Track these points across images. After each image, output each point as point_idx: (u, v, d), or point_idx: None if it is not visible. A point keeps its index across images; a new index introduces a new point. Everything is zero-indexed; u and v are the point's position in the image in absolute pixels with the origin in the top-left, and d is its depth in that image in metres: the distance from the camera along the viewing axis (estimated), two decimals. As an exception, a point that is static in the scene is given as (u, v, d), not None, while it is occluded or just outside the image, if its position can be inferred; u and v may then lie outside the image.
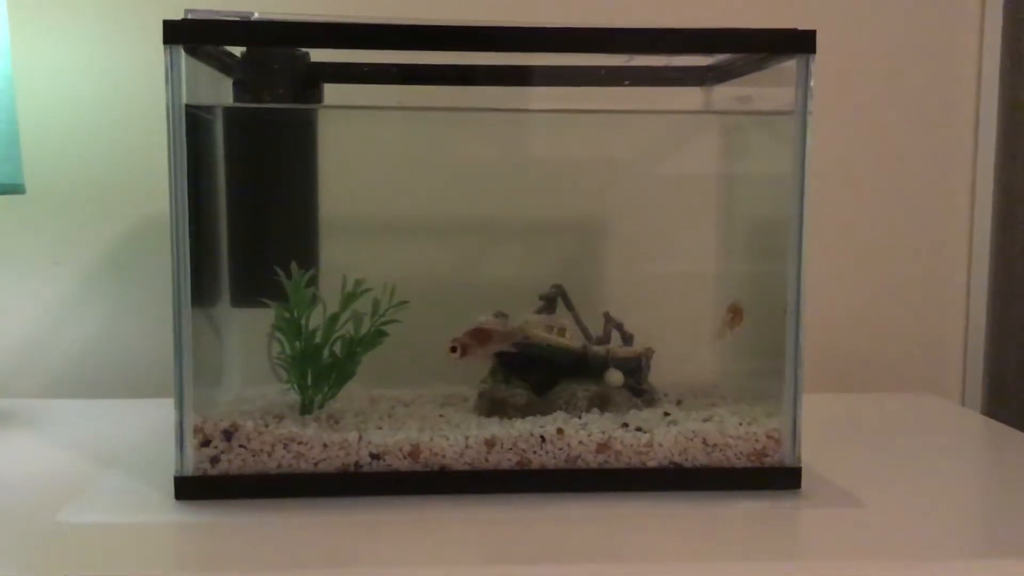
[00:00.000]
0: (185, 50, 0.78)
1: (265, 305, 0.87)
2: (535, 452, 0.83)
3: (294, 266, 0.86)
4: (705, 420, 0.87)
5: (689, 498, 0.81)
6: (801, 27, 0.81)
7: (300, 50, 0.93)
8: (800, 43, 0.80)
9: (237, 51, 0.90)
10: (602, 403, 0.90)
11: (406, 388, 0.98)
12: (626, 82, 0.96)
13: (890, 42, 1.26)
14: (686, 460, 0.83)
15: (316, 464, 0.81)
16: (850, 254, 1.28)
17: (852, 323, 1.28)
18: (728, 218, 1.02)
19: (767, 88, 0.91)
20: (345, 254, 0.98)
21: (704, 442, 0.83)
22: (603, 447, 0.83)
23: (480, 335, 0.86)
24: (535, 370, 0.91)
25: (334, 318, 0.87)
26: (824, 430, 1.01)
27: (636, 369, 0.94)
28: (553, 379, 0.92)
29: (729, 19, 1.19)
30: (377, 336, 0.88)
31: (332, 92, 0.97)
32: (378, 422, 0.86)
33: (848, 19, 1.25)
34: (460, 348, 0.85)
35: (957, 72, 1.27)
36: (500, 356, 0.93)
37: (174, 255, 0.78)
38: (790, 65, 0.82)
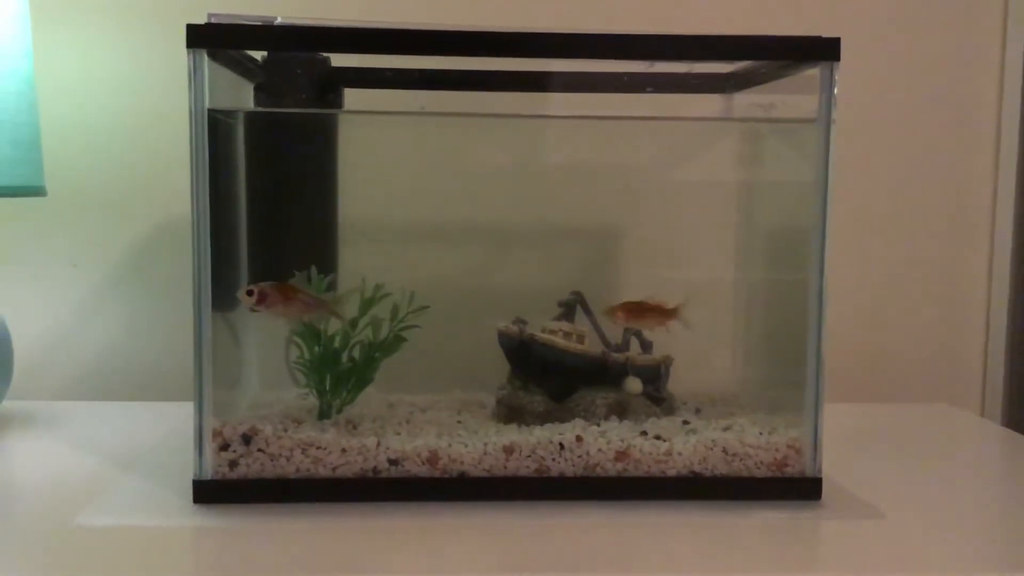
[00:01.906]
0: (207, 54, 0.78)
1: (284, 309, 0.87)
2: (554, 459, 0.82)
3: (313, 270, 0.86)
4: (725, 429, 0.86)
5: (708, 508, 0.81)
6: (815, 34, 0.80)
7: (321, 55, 0.93)
8: (825, 50, 0.80)
9: (258, 55, 0.90)
10: (621, 411, 0.89)
11: (422, 394, 0.98)
12: (648, 89, 0.96)
13: (910, 48, 1.25)
14: (706, 469, 0.83)
15: (334, 469, 0.81)
16: (869, 263, 1.27)
17: (870, 333, 1.27)
18: (748, 225, 1.02)
19: (786, 96, 0.91)
20: (364, 258, 0.98)
21: (724, 451, 0.83)
22: (622, 455, 0.82)
23: (285, 291, 0.81)
24: (553, 377, 0.91)
25: (353, 323, 0.87)
26: (843, 441, 1.01)
27: (655, 377, 0.93)
28: (572, 386, 0.91)
29: (736, 27, 1.19)
30: (396, 341, 0.88)
31: (353, 97, 0.97)
32: (396, 428, 0.86)
33: (867, 26, 1.24)
34: (257, 293, 0.80)
35: (978, 78, 1.26)
36: (517, 363, 0.93)
37: (195, 258, 0.79)
38: (811, 73, 0.82)
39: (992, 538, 0.79)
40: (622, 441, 0.83)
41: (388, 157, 1.02)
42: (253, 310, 0.81)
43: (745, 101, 0.99)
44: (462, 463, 0.82)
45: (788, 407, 0.86)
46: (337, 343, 0.87)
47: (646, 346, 0.95)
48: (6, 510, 0.80)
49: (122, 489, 0.84)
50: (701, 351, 1.03)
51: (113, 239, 1.20)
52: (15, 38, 0.99)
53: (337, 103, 0.96)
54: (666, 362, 0.95)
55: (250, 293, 0.81)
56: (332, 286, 0.88)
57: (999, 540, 0.79)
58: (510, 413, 0.90)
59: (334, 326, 0.86)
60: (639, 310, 0.89)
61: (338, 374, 0.88)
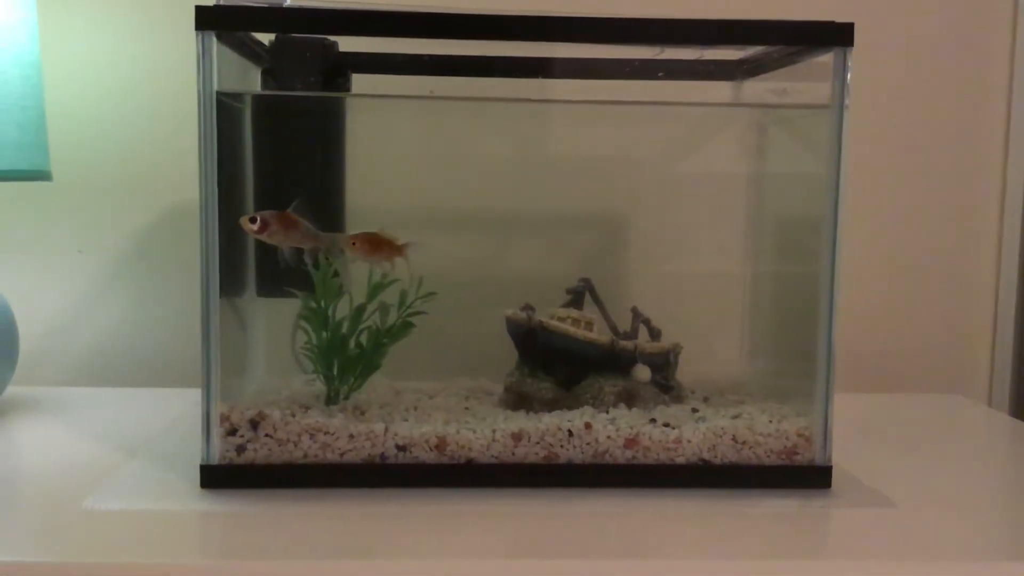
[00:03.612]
0: (216, 37, 0.77)
1: (291, 295, 0.87)
2: (562, 446, 0.82)
3: (321, 256, 0.86)
4: (734, 417, 0.86)
5: (718, 495, 0.80)
6: (826, 20, 0.80)
7: (329, 39, 0.93)
8: (838, 36, 0.79)
9: (266, 38, 0.90)
10: (629, 398, 0.89)
11: (430, 380, 0.97)
12: (660, 74, 0.96)
13: (921, 36, 1.24)
14: (715, 457, 0.82)
15: (342, 455, 0.81)
16: (877, 253, 1.26)
17: (878, 323, 1.27)
18: (758, 214, 1.01)
19: (798, 83, 0.90)
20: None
21: (734, 439, 0.82)
22: (631, 442, 0.82)
23: (286, 220, 0.83)
24: (562, 364, 0.91)
25: (360, 309, 0.87)
26: (852, 430, 1.00)
27: (664, 365, 0.93)
28: (580, 373, 0.91)
29: (747, 12, 1.18)
30: (404, 327, 0.88)
31: (361, 82, 0.97)
32: (404, 414, 0.86)
33: (875, 13, 1.23)
34: (260, 221, 0.82)
35: (989, 68, 1.26)
36: (525, 350, 0.92)
37: (203, 243, 0.78)
38: (823, 60, 0.81)
39: (1000, 526, 0.79)
40: (631, 428, 0.83)
41: (396, 142, 1.01)
42: (255, 236, 0.83)
43: (756, 88, 0.98)
44: (470, 450, 0.81)
45: (798, 396, 0.86)
46: (345, 329, 0.87)
47: (655, 334, 0.95)
48: (13, 494, 0.79)
49: (129, 474, 0.83)
50: (710, 339, 1.03)
51: (119, 224, 1.20)
52: (22, 21, 0.98)
53: (345, 87, 0.96)
54: (675, 350, 0.94)
55: (253, 220, 0.82)
56: (339, 272, 0.87)
57: (1007, 528, 0.78)
58: (518, 400, 0.89)
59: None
60: (376, 243, 0.87)
61: (346, 360, 0.87)
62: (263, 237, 0.83)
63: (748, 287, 1.03)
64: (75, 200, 1.18)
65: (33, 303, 1.18)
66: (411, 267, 0.87)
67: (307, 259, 0.85)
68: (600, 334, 0.92)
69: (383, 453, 0.81)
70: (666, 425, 0.84)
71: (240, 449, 0.80)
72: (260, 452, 0.80)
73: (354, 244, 0.85)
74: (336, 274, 0.86)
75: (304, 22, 0.81)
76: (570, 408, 0.87)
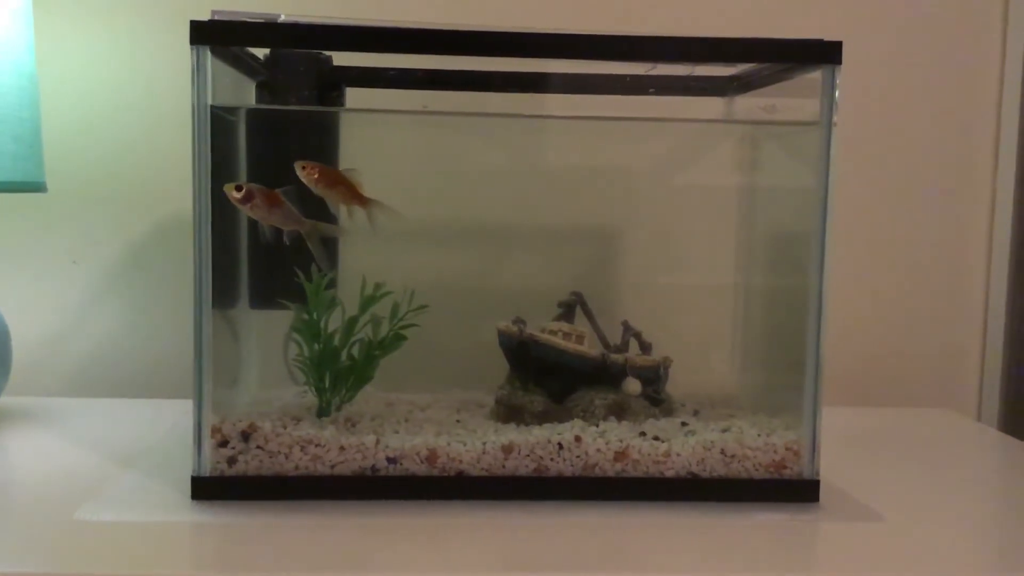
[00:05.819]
0: (211, 51, 0.78)
1: (284, 307, 0.88)
2: (552, 459, 0.82)
3: (314, 269, 0.86)
4: (723, 431, 0.86)
5: (706, 509, 0.81)
6: (815, 37, 0.81)
7: (323, 54, 0.93)
8: (826, 54, 0.80)
9: (260, 53, 0.90)
10: (619, 411, 0.89)
11: (422, 392, 0.98)
12: (651, 90, 0.96)
13: (911, 51, 1.25)
14: (704, 470, 0.83)
15: (333, 467, 0.81)
16: (867, 268, 1.27)
17: (868, 337, 1.28)
18: (748, 228, 1.02)
19: (788, 99, 0.91)
20: (364, 257, 0.98)
21: (722, 453, 0.83)
22: (621, 456, 0.83)
23: (271, 197, 0.82)
24: (553, 377, 0.91)
25: (353, 321, 0.88)
26: (841, 444, 1.01)
27: (654, 378, 0.93)
28: (571, 386, 0.91)
29: (738, 30, 1.19)
30: (396, 340, 0.88)
31: (355, 96, 0.97)
32: (395, 426, 0.86)
33: (867, 28, 1.24)
34: (245, 191, 0.81)
35: (977, 84, 1.27)
36: (516, 362, 0.93)
37: (196, 255, 0.79)
38: (812, 76, 0.82)
39: (988, 540, 0.79)
40: (621, 442, 0.83)
41: (389, 156, 1.02)
42: (238, 206, 0.82)
43: (746, 104, 0.99)
44: (461, 462, 0.82)
45: (786, 409, 0.87)
46: (337, 341, 0.87)
47: (645, 347, 0.96)
48: (5, 504, 0.80)
49: (120, 485, 0.84)
50: (701, 353, 1.03)
51: (113, 235, 1.20)
52: (17, 33, 0.99)
53: (339, 102, 0.96)
54: (665, 363, 0.95)
55: (239, 188, 0.81)
56: (332, 284, 0.88)
57: (995, 542, 0.79)
58: (509, 413, 0.90)
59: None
60: (333, 180, 0.85)
61: (337, 372, 0.88)
62: (245, 209, 0.82)
63: (738, 301, 1.04)
64: (69, 211, 1.19)
65: (27, 313, 1.19)
66: (376, 230, 0.86)
67: (286, 239, 0.85)
68: (591, 347, 0.93)
69: (374, 465, 0.81)
70: (656, 438, 0.84)
71: (231, 461, 0.80)
72: (251, 464, 0.80)
73: (304, 168, 0.84)
74: (331, 284, 0.87)
75: (299, 38, 0.81)
76: (560, 421, 0.88)
